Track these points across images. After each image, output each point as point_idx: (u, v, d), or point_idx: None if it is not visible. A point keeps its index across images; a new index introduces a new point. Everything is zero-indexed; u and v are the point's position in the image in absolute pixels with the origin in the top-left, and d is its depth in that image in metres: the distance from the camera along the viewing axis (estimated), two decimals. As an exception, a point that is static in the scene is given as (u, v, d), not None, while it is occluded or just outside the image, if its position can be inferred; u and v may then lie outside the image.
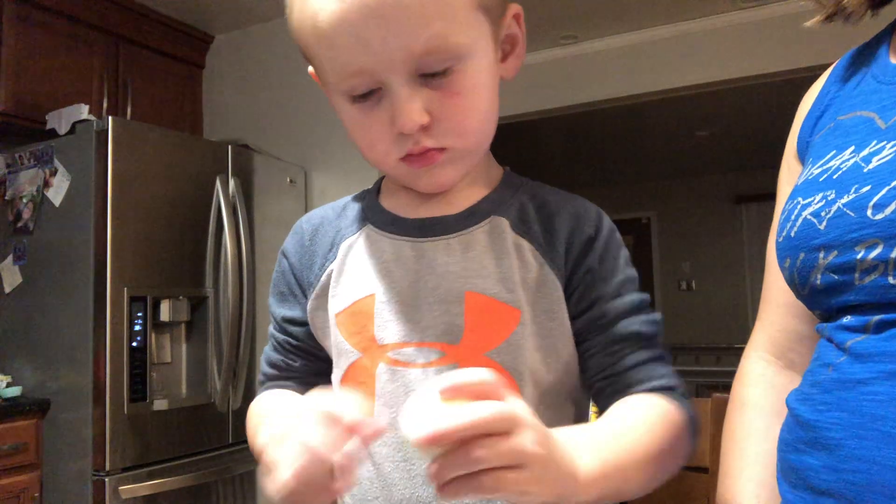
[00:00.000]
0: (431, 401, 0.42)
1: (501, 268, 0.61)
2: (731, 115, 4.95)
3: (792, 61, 3.00)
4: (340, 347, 0.64)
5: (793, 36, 2.92)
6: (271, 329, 0.74)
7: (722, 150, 6.06)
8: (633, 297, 0.63)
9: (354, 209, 0.70)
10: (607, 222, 0.65)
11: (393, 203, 0.68)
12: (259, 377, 0.75)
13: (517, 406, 0.43)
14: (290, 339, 0.71)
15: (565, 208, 0.64)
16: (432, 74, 0.56)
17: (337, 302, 0.65)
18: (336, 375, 0.65)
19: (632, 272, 0.65)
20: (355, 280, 0.65)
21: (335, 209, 0.72)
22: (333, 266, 0.67)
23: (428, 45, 0.54)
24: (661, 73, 3.32)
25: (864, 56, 0.68)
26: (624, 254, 0.65)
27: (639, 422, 0.56)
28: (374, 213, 0.68)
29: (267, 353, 0.74)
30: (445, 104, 0.57)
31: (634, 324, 0.62)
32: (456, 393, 0.41)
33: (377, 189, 0.71)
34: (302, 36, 0.58)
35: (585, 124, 4.99)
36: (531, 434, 0.42)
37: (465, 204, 0.65)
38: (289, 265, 0.71)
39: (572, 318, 0.62)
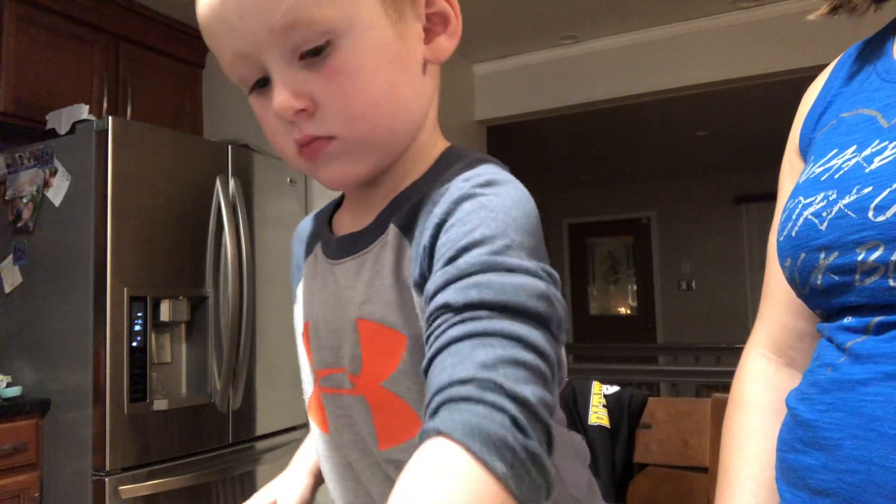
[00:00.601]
0: None
1: (385, 288, 0.54)
2: (731, 115, 4.95)
3: (792, 61, 3.00)
4: (308, 367, 0.65)
5: (792, 36, 2.93)
6: None
7: (722, 150, 6.06)
8: (470, 258, 0.45)
9: (317, 223, 0.68)
10: (479, 177, 0.50)
11: (339, 217, 0.65)
12: None
13: None
14: None
15: (441, 182, 0.52)
16: (312, 55, 0.50)
17: (298, 324, 0.65)
18: (306, 393, 0.66)
19: (487, 231, 0.46)
20: (301, 305, 0.65)
21: (313, 220, 0.69)
22: (300, 284, 0.67)
23: (286, 19, 0.49)
24: (661, 73, 3.32)
25: (868, 51, 0.67)
26: (488, 214, 0.47)
27: None
28: (323, 231, 0.65)
29: None
30: (327, 86, 0.51)
31: (452, 291, 0.44)
32: None
33: (341, 198, 0.67)
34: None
35: (585, 124, 4.99)
36: None
37: (376, 213, 0.57)
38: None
39: None
